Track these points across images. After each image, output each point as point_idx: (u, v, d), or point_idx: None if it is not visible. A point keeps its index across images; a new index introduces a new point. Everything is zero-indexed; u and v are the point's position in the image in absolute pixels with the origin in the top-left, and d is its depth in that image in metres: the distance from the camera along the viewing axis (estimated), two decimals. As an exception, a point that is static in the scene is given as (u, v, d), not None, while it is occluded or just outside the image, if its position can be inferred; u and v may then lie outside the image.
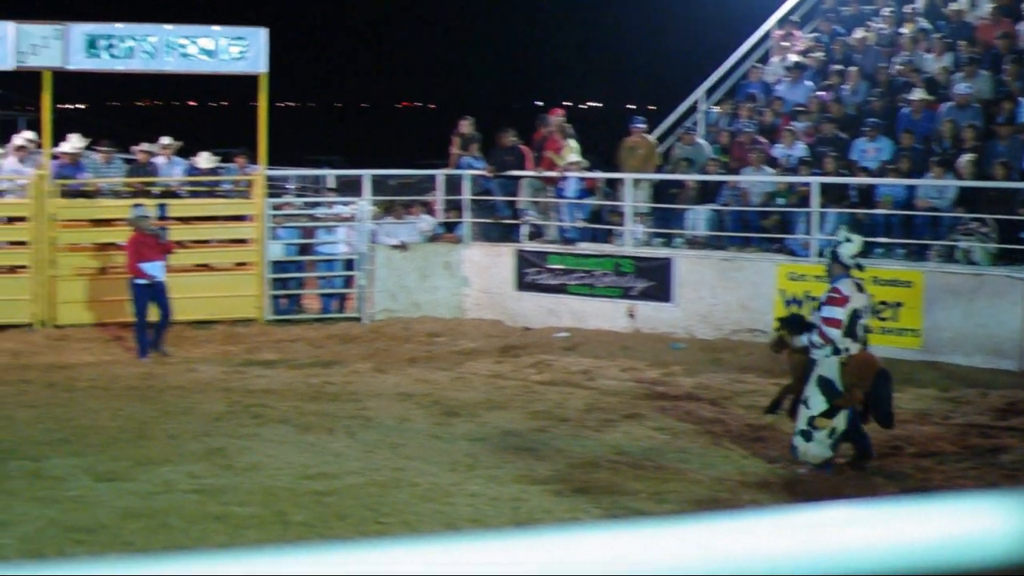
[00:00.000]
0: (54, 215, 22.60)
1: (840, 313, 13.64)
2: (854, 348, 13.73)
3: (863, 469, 13.88)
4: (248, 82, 24.09)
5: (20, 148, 23.59)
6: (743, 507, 12.34)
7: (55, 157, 23.18)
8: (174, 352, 20.72)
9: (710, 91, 27.47)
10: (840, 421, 13.76)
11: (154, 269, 20.40)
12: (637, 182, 23.51)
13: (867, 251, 16.27)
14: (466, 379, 19.03)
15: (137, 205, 21.33)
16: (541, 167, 24.23)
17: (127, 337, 21.61)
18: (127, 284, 20.82)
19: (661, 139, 26.21)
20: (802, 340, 14.24)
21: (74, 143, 23.41)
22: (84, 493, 12.38)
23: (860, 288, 13.96)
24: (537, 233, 24.35)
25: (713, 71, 27.58)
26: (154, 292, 20.60)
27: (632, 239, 23.13)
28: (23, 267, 22.75)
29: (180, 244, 22.43)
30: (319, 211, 25.15)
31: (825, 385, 13.68)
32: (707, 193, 23.30)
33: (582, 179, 24.07)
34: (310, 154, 50.50)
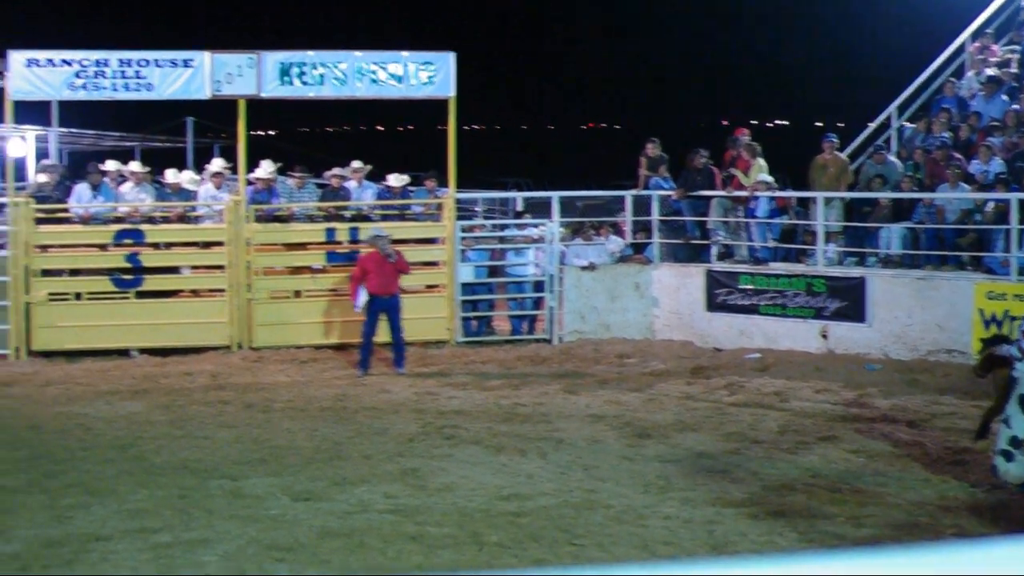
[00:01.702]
0: (250, 239, 23.12)
1: (1046, 328, 13.28)
2: (1058, 365, 13.36)
3: None
4: (436, 106, 24.35)
5: (216, 175, 24.21)
6: (945, 533, 12.08)
7: (250, 183, 23.71)
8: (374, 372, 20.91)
9: (903, 107, 27.05)
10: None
11: (363, 296, 20.69)
12: (829, 200, 23.19)
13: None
14: (657, 400, 18.95)
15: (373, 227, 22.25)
16: (730, 187, 24.07)
17: (320, 359, 22.06)
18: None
19: (853, 156, 25.84)
20: (1003, 350, 13.90)
21: (267, 169, 23.88)
22: (282, 512, 12.56)
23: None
24: (727, 253, 24.20)
25: (906, 87, 27.16)
26: (385, 310, 20.91)
27: (824, 258, 22.85)
28: (221, 290, 23.30)
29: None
30: (508, 233, 25.29)
31: (1027, 404, 13.33)
32: (901, 211, 22.90)
33: (773, 198, 23.86)
34: (497, 177, 50.84)
